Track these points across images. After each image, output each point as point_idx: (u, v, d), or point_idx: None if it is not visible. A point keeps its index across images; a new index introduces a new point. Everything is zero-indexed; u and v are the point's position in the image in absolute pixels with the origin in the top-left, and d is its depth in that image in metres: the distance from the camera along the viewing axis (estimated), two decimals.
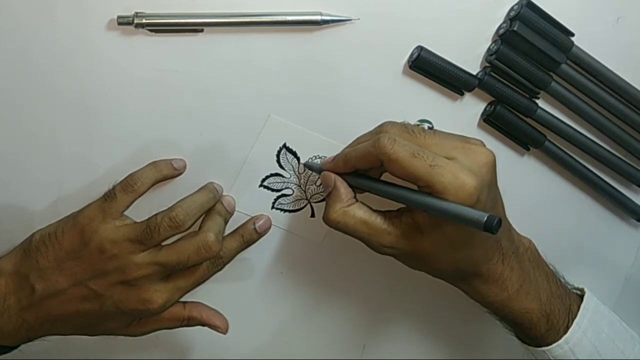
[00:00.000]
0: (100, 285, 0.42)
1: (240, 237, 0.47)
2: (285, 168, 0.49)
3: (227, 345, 0.55)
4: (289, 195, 0.50)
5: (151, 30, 0.42)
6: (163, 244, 0.43)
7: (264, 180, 0.49)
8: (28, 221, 0.45)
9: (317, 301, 0.55)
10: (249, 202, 0.49)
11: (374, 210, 0.41)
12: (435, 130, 0.41)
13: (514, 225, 0.47)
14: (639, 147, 0.52)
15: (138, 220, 0.43)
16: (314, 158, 0.48)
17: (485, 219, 0.34)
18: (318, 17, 0.43)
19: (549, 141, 0.50)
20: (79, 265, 0.42)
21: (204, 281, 0.46)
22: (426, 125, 0.42)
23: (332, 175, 0.42)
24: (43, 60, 0.43)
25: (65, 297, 0.42)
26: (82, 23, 0.42)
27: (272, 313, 0.55)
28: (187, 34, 0.43)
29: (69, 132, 0.45)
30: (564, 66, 0.47)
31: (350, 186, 0.42)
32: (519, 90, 0.48)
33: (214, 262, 0.46)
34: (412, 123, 0.42)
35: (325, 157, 0.48)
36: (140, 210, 0.44)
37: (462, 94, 0.48)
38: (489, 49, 0.47)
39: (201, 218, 0.45)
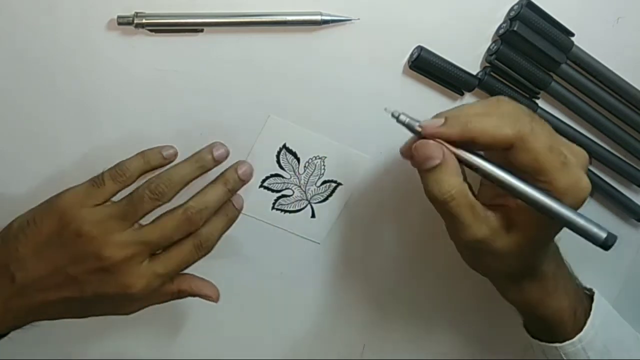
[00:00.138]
0: (78, 271, 0.41)
1: (224, 216, 0.45)
2: (285, 169, 0.49)
3: (227, 345, 0.55)
4: (289, 195, 0.50)
5: (151, 30, 0.42)
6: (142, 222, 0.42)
7: (264, 181, 0.49)
8: None
9: (316, 301, 0.55)
10: (249, 203, 0.49)
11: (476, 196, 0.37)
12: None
13: None
14: (639, 147, 0.52)
15: None
16: (313, 159, 0.48)
17: (605, 236, 0.33)
18: (318, 17, 0.43)
19: None
20: (58, 251, 0.41)
21: (189, 265, 0.44)
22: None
23: (440, 146, 0.36)
24: (43, 60, 0.43)
25: (45, 285, 0.41)
26: (82, 23, 0.42)
27: (272, 313, 0.55)
28: (187, 34, 0.43)
29: (69, 132, 0.45)
30: (564, 66, 0.47)
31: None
32: (519, 90, 0.48)
33: (199, 244, 0.44)
34: None
35: (326, 157, 0.48)
36: None
37: (462, 94, 0.48)
38: (489, 49, 0.47)
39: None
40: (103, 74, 0.43)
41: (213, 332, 0.50)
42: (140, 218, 0.42)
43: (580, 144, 0.50)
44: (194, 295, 0.46)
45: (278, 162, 0.48)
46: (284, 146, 0.48)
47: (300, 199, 0.50)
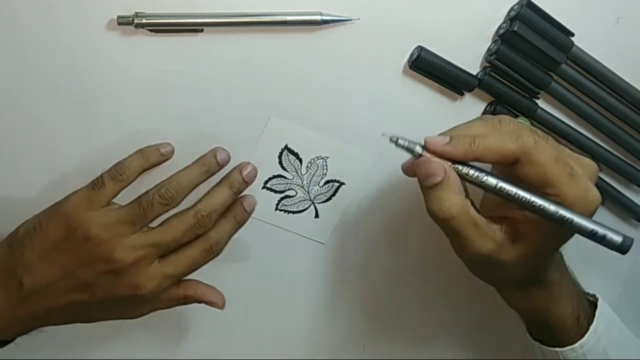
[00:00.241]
0: (89, 275, 0.41)
1: (233, 219, 0.46)
2: (288, 169, 0.49)
3: (227, 345, 0.55)
4: (292, 196, 0.50)
5: (151, 30, 0.42)
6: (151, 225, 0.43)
7: (266, 182, 0.49)
8: None
9: (317, 301, 0.55)
10: None
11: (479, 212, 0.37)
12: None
13: None
14: (639, 147, 0.52)
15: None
16: (316, 159, 0.48)
17: (621, 241, 0.33)
18: (318, 17, 0.43)
19: None
20: (66, 256, 0.41)
21: (198, 267, 0.45)
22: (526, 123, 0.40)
23: (442, 163, 0.36)
24: (43, 60, 0.43)
25: (55, 290, 0.41)
26: (82, 23, 0.42)
27: (272, 313, 0.55)
28: (187, 34, 0.43)
29: (69, 132, 0.45)
30: (564, 66, 0.47)
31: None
32: (519, 90, 0.48)
33: (209, 248, 0.44)
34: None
35: (328, 157, 0.48)
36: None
37: (462, 94, 0.48)
38: (489, 49, 0.47)
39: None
40: (103, 74, 0.43)
41: (213, 332, 0.50)
42: (149, 222, 0.42)
43: (580, 144, 0.51)
44: (199, 302, 0.47)
45: (280, 163, 0.48)
46: (286, 147, 0.48)
47: (303, 199, 0.50)
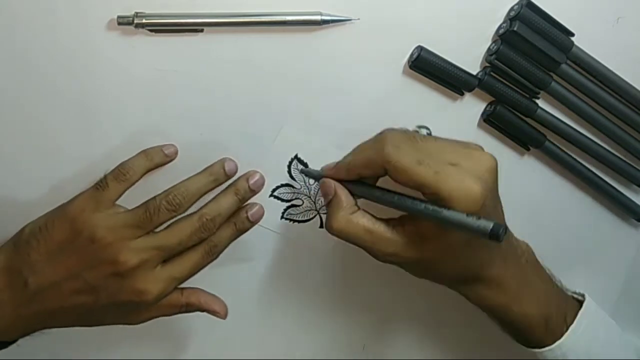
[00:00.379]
0: (94, 277, 0.41)
1: (233, 226, 0.46)
2: (296, 179, 0.49)
3: (228, 345, 0.55)
4: (298, 205, 0.50)
5: (151, 30, 0.42)
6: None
7: (274, 190, 0.49)
8: (28, 221, 0.45)
9: (317, 301, 0.55)
10: None
11: (377, 218, 0.41)
12: (435, 136, 0.41)
13: (514, 226, 0.47)
14: (639, 147, 0.52)
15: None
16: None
17: (491, 227, 0.34)
18: (318, 17, 0.43)
19: (549, 141, 0.50)
20: (72, 257, 0.41)
21: (198, 270, 0.45)
22: (425, 131, 0.42)
23: (332, 183, 0.42)
24: (43, 60, 0.43)
25: (60, 291, 0.41)
26: (82, 23, 0.42)
27: (272, 313, 0.55)
28: (187, 34, 0.43)
29: (69, 132, 0.45)
30: (564, 66, 0.47)
31: (352, 194, 0.42)
32: (519, 90, 0.48)
33: (209, 250, 0.45)
34: (411, 129, 0.42)
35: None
36: (135, 202, 0.44)
37: (462, 94, 0.48)
38: (489, 49, 0.47)
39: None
40: (103, 74, 0.43)
41: (213, 332, 0.50)
42: (155, 228, 0.42)
43: (580, 144, 0.51)
44: (202, 310, 0.46)
45: (289, 172, 0.48)
46: (296, 157, 0.48)
47: (309, 209, 0.50)
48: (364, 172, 0.41)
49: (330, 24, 0.44)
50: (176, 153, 0.45)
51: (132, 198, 0.43)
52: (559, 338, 0.44)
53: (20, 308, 0.41)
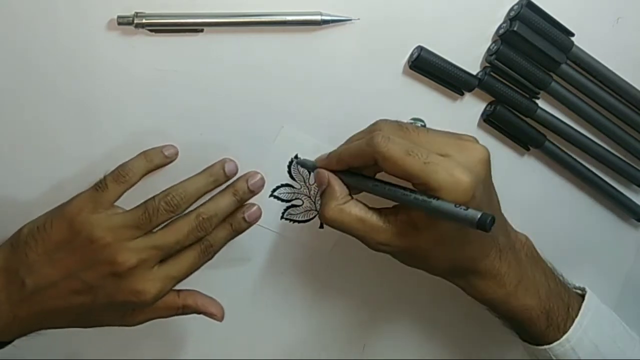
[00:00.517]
0: (92, 277, 0.41)
1: (229, 226, 0.46)
2: (296, 179, 0.49)
3: (227, 345, 0.55)
4: (298, 205, 0.50)
5: (151, 30, 0.42)
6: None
7: (274, 190, 0.49)
8: (27, 221, 0.45)
9: (317, 301, 0.55)
10: None
11: (370, 208, 0.41)
12: (428, 127, 0.41)
13: (514, 225, 0.47)
14: (639, 147, 0.52)
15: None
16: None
17: (478, 217, 0.34)
18: (318, 17, 0.43)
19: (549, 141, 0.51)
20: (70, 257, 0.41)
21: (195, 269, 0.45)
22: (419, 123, 0.42)
23: (326, 173, 0.42)
24: (43, 60, 0.43)
25: (57, 291, 0.41)
26: (82, 23, 0.42)
27: (272, 313, 0.55)
28: (187, 34, 0.43)
29: (69, 132, 0.45)
30: (564, 66, 0.47)
31: (345, 185, 0.42)
32: (519, 90, 0.48)
33: (205, 249, 0.45)
34: (406, 121, 0.42)
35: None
36: (135, 202, 0.44)
37: (462, 94, 0.48)
38: (489, 49, 0.47)
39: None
40: (103, 74, 0.43)
41: (212, 332, 0.50)
42: (153, 228, 0.42)
43: (580, 144, 0.51)
44: (198, 312, 0.46)
45: (289, 172, 0.48)
46: (296, 157, 0.48)
47: (309, 209, 0.50)
48: (355, 162, 0.41)
49: (330, 24, 0.44)
50: (176, 154, 0.45)
51: (132, 198, 0.43)
52: (566, 331, 0.44)
53: (18, 308, 0.41)
